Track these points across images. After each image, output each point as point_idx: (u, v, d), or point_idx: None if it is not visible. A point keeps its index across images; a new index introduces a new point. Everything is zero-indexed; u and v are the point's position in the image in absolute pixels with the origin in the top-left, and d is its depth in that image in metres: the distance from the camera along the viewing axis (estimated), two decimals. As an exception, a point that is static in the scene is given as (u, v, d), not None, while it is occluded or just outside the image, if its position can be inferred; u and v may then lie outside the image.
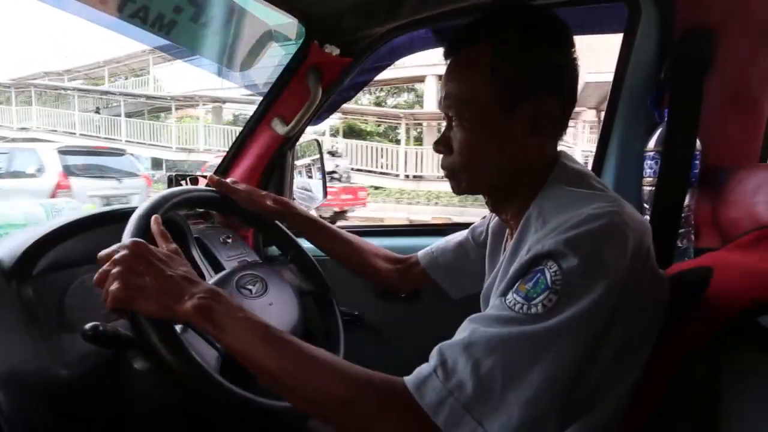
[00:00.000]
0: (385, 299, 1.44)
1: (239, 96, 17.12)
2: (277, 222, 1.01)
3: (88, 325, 0.64)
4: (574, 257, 0.53)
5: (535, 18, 0.66)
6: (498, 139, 0.66)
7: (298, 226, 1.00)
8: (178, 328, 0.69)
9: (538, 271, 0.54)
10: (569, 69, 0.66)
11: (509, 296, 0.55)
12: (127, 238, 0.68)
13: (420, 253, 1.04)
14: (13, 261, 0.79)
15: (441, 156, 0.73)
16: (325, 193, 1.75)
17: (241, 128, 1.39)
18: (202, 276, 1.08)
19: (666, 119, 0.97)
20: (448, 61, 0.70)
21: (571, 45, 0.66)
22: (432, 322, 1.40)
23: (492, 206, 0.76)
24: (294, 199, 1.67)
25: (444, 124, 0.72)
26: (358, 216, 10.57)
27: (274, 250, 1.51)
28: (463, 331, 0.56)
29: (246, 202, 0.96)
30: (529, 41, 0.64)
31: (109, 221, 0.92)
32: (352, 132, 17.47)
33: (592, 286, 0.52)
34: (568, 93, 0.67)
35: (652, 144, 1.02)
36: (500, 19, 0.67)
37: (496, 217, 0.84)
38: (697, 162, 0.97)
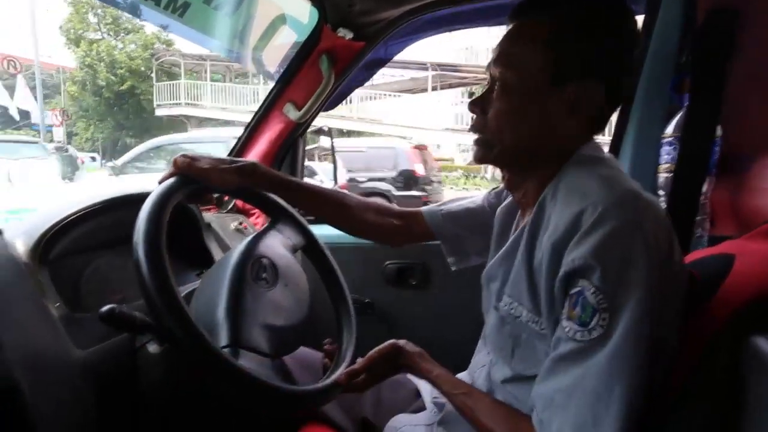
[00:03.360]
0: (395, 287, 1.45)
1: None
2: (267, 193, 0.96)
3: (104, 308, 0.64)
4: (603, 269, 0.54)
5: (608, 5, 0.64)
6: (535, 112, 0.66)
7: (271, 188, 0.93)
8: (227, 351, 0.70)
9: (578, 293, 0.56)
10: (626, 65, 0.66)
11: (565, 324, 0.58)
12: (143, 224, 0.68)
13: (425, 209, 0.99)
14: (30, 245, 0.80)
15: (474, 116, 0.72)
16: (336, 179, 1.75)
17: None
18: (213, 263, 1.08)
19: (686, 104, 0.95)
20: (512, 25, 0.69)
21: (636, 44, 0.66)
22: (441, 310, 1.41)
23: (509, 183, 0.76)
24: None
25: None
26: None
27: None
28: (549, 379, 0.59)
29: (213, 180, 0.83)
30: (593, 24, 0.63)
31: (125, 206, 0.92)
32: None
33: (633, 288, 0.54)
34: (616, 88, 0.66)
35: (670, 130, 1.00)
36: None
37: (508, 198, 0.83)
38: (716, 149, 0.95)
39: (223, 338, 0.71)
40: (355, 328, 0.93)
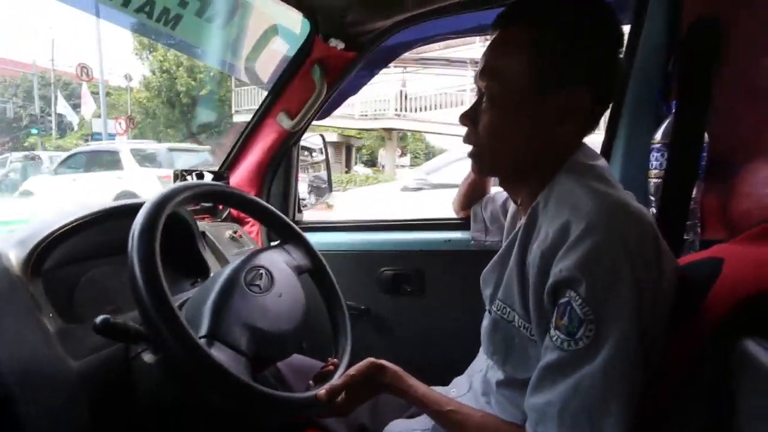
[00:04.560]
0: (390, 293, 1.45)
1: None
2: (279, 213, 1.00)
3: (98, 319, 0.64)
4: (589, 281, 0.55)
5: (589, 9, 0.64)
6: (524, 121, 0.66)
7: None
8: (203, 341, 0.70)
9: (566, 303, 0.57)
10: (611, 67, 0.66)
11: (552, 333, 0.58)
12: (137, 234, 0.68)
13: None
14: (24, 256, 0.80)
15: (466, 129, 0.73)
16: (331, 187, 1.76)
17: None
18: (208, 272, 1.09)
19: (674, 111, 0.96)
20: (494, 34, 0.69)
21: (619, 44, 0.65)
22: (436, 316, 1.41)
23: (503, 186, 0.77)
24: (299, 196, 1.67)
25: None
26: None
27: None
28: (540, 391, 0.59)
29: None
30: (577, 30, 0.63)
31: (118, 216, 0.92)
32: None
33: (619, 301, 0.54)
34: (604, 90, 0.66)
35: (659, 136, 1.01)
36: (554, 2, 0.66)
37: None
38: (704, 154, 0.96)
39: (202, 329, 0.72)
40: (349, 355, 0.92)
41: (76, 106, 18.41)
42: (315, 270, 0.99)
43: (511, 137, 0.67)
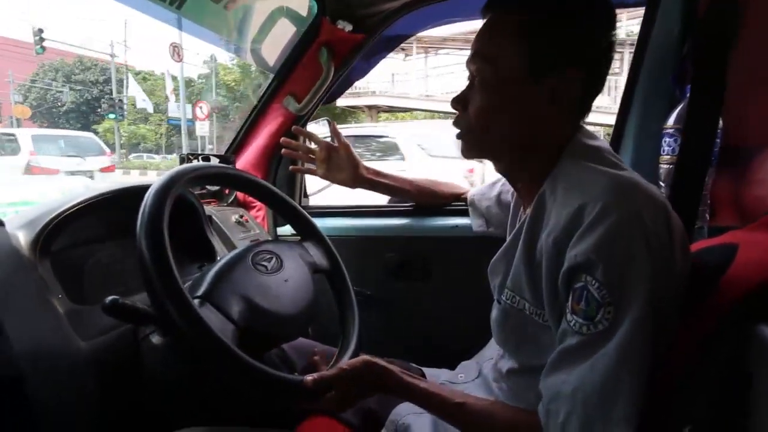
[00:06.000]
0: (396, 279, 1.45)
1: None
2: (289, 199, 1.00)
3: (107, 299, 0.65)
4: (606, 264, 0.54)
5: None
6: (515, 105, 0.66)
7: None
8: (196, 302, 0.70)
9: (582, 288, 0.56)
10: (604, 49, 0.65)
11: (570, 317, 0.58)
12: (145, 214, 0.69)
13: (470, 190, 1.21)
14: (33, 236, 0.80)
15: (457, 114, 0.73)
16: None
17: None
18: (215, 255, 1.09)
19: (688, 96, 0.95)
20: (485, 19, 0.69)
21: (612, 26, 0.65)
22: (441, 302, 1.41)
23: (500, 171, 0.76)
24: (305, 181, 1.66)
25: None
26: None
27: (286, 229, 1.51)
28: (556, 372, 0.59)
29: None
30: (567, 13, 0.63)
31: (126, 198, 0.92)
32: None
33: (636, 282, 0.54)
34: (597, 72, 0.66)
35: (671, 121, 1.00)
36: None
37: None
38: (717, 140, 0.95)
39: (199, 291, 0.74)
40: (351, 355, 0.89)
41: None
42: (332, 272, 0.99)
43: (502, 119, 0.67)
